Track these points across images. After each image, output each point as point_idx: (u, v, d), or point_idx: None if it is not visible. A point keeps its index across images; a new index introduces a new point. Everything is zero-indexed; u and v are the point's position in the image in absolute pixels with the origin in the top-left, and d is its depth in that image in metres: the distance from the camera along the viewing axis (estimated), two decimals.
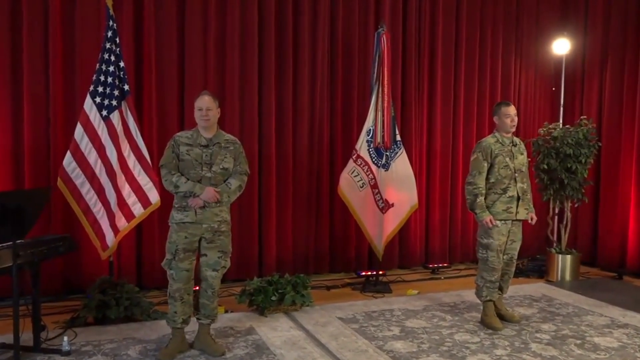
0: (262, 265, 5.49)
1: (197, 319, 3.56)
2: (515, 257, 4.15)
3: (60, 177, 4.14)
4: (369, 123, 5.17)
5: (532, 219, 4.12)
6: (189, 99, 4.90)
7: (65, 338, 3.44)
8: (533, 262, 6.08)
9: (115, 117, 4.25)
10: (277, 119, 5.48)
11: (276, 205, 5.48)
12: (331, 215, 5.76)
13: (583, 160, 5.55)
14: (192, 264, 3.49)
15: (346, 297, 4.94)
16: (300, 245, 5.63)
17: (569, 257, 5.67)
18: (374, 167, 5.18)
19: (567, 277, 5.64)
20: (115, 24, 4.27)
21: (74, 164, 4.17)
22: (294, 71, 5.53)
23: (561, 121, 6.44)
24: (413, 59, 6.03)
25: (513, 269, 4.19)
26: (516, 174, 4.00)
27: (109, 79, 4.23)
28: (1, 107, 4.52)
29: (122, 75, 4.30)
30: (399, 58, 5.92)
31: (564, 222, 5.83)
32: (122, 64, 4.30)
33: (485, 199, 4.01)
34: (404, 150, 5.32)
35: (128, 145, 4.33)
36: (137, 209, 4.36)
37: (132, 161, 4.35)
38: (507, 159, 3.98)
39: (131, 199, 4.34)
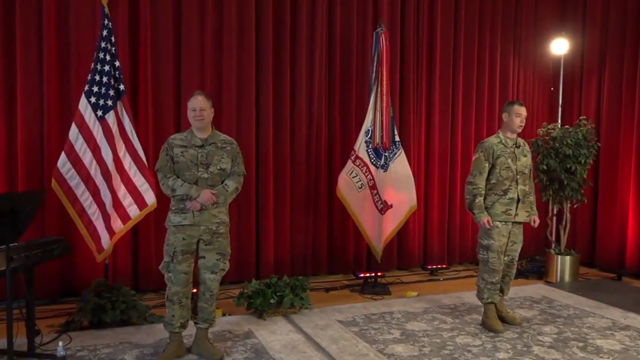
0: (259, 267, 5.43)
1: (195, 323, 3.50)
2: (516, 258, 4.11)
3: (55, 178, 4.07)
4: (367, 123, 5.12)
5: (534, 222, 4.07)
6: (185, 99, 4.76)
7: (60, 343, 3.34)
8: (532, 263, 6.04)
9: (110, 117, 4.18)
10: (275, 119, 5.42)
11: (274, 206, 5.42)
12: (329, 216, 5.71)
13: (582, 161, 5.53)
14: (190, 267, 3.42)
15: (345, 299, 4.89)
16: (298, 246, 5.58)
17: (568, 258, 5.64)
18: (372, 168, 5.12)
19: (567, 278, 5.61)
20: (110, 23, 4.20)
21: (68, 165, 4.10)
22: (291, 71, 5.47)
23: (559, 121, 6.41)
24: (411, 58, 5.99)
25: (514, 271, 4.15)
26: (518, 176, 3.96)
27: (104, 79, 4.16)
28: None
29: (117, 75, 4.23)
30: (397, 58, 5.87)
31: (563, 223, 5.80)
32: (117, 64, 4.23)
33: (485, 199, 3.96)
34: (403, 151, 5.27)
35: (124, 146, 4.26)
36: (133, 211, 4.30)
37: (127, 162, 4.28)
38: (509, 161, 3.94)
39: (127, 201, 4.28)
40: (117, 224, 4.25)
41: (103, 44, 4.17)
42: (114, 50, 4.22)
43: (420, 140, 6.12)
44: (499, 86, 6.51)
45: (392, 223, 5.25)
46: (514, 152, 3.99)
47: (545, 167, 5.55)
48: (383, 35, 5.04)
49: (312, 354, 3.51)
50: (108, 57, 4.18)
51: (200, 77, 5.09)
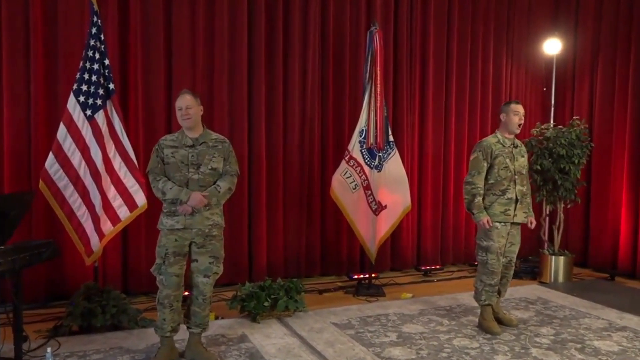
0: (252, 269, 5.35)
1: (188, 327, 3.42)
2: (514, 260, 4.08)
3: (43, 179, 3.95)
4: (361, 123, 5.07)
5: (531, 223, 4.04)
6: (176, 98, 4.72)
7: (49, 349, 3.24)
8: (525, 264, 6.03)
9: (100, 116, 4.08)
10: (267, 119, 5.34)
11: (266, 207, 5.35)
12: (322, 217, 5.64)
13: (576, 161, 5.52)
14: (182, 269, 3.34)
15: (339, 301, 4.82)
16: (291, 248, 5.51)
17: (562, 258, 5.63)
18: (366, 169, 5.07)
19: (561, 278, 5.60)
20: (99, 20, 4.10)
21: (56, 165, 3.99)
22: (284, 70, 5.41)
23: (552, 121, 6.40)
24: (405, 58, 5.94)
25: (512, 272, 4.11)
26: (516, 176, 3.92)
27: (94, 77, 4.06)
28: None
29: (107, 74, 4.13)
30: (391, 57, 5.83)
31: (557, 223, 5.79)
32: (107, 62, 4.14)
33: (483, 199, 3.92)
34: (397, 151, 5.22)
35: (113, 146, 4.17)
36: (123, 212, 4.21)
37: (117, 163, 4.19)
38: (508, 161, 3.90)
39: (117, 202, 4.18)
40: (106, 225, 4.15)
41: (92, 42, 4.07)
42: (104, 48, 4.12)
43: (414, 140, 6.08)
44: (491, 86, 6.49)
45: (386, 224, 5.20)
46: (512, 152, 3.95)
47: (539, 167, 5.53)
48: (377, 34, 4.99)
49: (308, 358, 3.44)
50: (97, 55, 4.08)
51: (191, 76, 5.01)
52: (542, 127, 5.79)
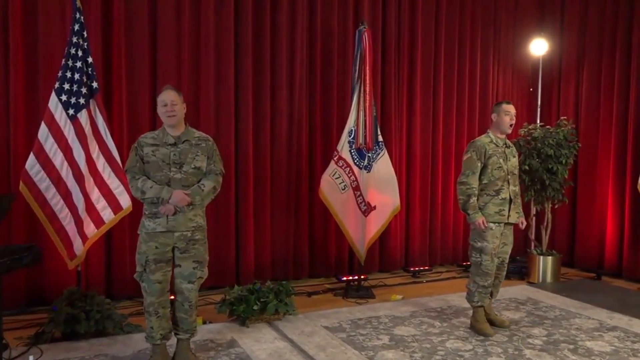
0: (239, 272, 5.25)
1: (175, 334, 3.31)
2: (507, 260, 4.05)
3: (23, 181, 3.81)
4: (350, 123, 5.01)
5: (522, 224, 4.02)
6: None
7: (31, 357, 3.15)
8: (513, 264, 5.99)
9: (83, 116, 3.96)
10: (255, 119, 5.25)
11: (254, 208, 5.26)
12: (310, 218, 5.57)
13: (564, 161, 5.53)
14: (165, 276, 3.20)
15: (329, 303, 4.76)
16: (279, 249, 5.42)
17: (550, 258, 5.64)
18: (355, 169, 5.01)
19: (549, 278, 5.61)
20: (82, 17, 3.98)
21: (37, 166, 3.86)
22: (271, 69, 5.32)
23: (538, 122, 6.41)
24: (392, 58, 5.90)
25: (504, 273, 4.08)
26: (509, 176, 3.90)
27: (76, 76, 3.94)
28: None
29: (90, 72, 4.01)
30: (379, 57, 5.77)
31: (545, 223, 5.79)
32: (90, 60, 4.02)
33: (477, 200, 3.88)
34: (386, 151, 5.17)
35: (97, 147, 4.05)
36: (107, 215, 4.09)
37: (101, 163, 4.07)
38: (501, 160, 3.88)
39: (100, 204, 4.07)
40: (90, 228, 4.03)
41: (75, 39, 3.95)
42: (87, 45, 4.00)
43: (402, 140, 6.04)
44: (479, 86, 6.48)
45: (375, 225, 5.15)
46: (505, 152, 3.93)
47: (527, 168, 5.53)
48: (366, 34, 4.93)
49: None
50: (80, 53, 3.96)
51: (177, 75, 4.90)
52: (530, 127, 5.80)
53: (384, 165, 5.14)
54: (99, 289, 4.33)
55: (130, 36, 4.71)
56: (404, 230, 6.11)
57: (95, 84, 4.02)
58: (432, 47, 6.14)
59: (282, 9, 5.32)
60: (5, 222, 3.86)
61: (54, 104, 3.92)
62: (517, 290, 5.20)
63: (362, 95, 4.95)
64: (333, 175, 4.99)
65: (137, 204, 3.78)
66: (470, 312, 4.23)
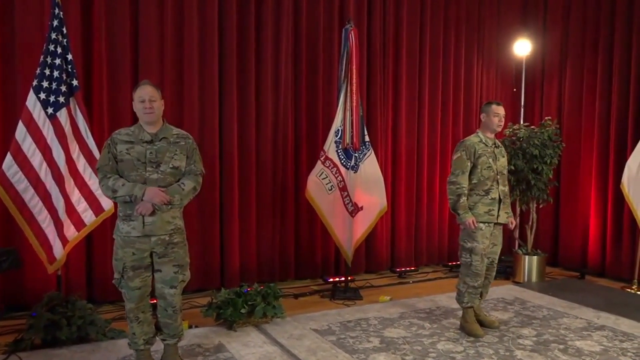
0: (224, 274, 5.15)
1: (162, 340, 3.20)
2: (496, 261, 4.04)
3: (0, 182, 3.67)
4: (337, 123, 4.95)
5: (512, 223, 4.01)
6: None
7: None
8: (499, 264, 5.88)
9: (62, 115, 3.82)
10: (239, 119, 5.15)
11: (239, 208, 5.16)
12: (296, 219, 5.50)
13: (548, 161, 5.55)
14: (145, 281, 3.06)
15: (316, 305, 4.69)
16: (264, 251, 5.33)
17: (535, 258, 5.65)
18: (342, 169, 4.95)
19: (534, 278, 5.62)
20: (61, 12, 3.84)
21: (15, 167, 3.71)
22: (256, 68, 5.23)
23: (521, 122, 6.43)
24: (378, 58, 5.86)
25: (493, 274, 4.07)
26: (498, 176, 3.88)
27: (55, 73, 3.80)
28: None
29: (70, 69, 3.88)
30: (365, 57, 5.72)
31: (530, 223, 5.81)
32: (70, 57, 3.88)
33: (467, 199, 3.85)
34: (373, 151, 5.12)
35: (77, 147, 3.92)
36: (88, 217, 3.97)
37: (81, 164, 3.94)
38: (490, 160, 3.85)
39: (81, 206, 3.94)
40: (70, 231, 3.90)
41: (54, 35, 3.81)
42: (66, 42, 3.86)
43: (387, 140, 6.00)
44: (463, 87, 6.48)
45: (362, 226, 5.09)
46: (494, 152, 3.91)
47: (512, 168, 5.52)
48: (352, 32, 4.88)
49: None
50: (59, 50, 3.82)
51: (159, 74, 4.77)
52: (515, 127, 5.81)
53: (370, 165, 5.08)
54: (80, 294, 4.17)
55: (111, 33, 4.57)
56: (390, 231, 6.08)
57: (75, 82, 3.89)
58: (417, 48, 6.11)
59: (267, 7, 5.23)
60: None
61: (32, 102, 3.78)
62: (504, 290, 5.20)
63: (348, 94, 4.89)
64: (320, 176, 4.93)
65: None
66: (459, 312, 4.22)
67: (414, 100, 6.13)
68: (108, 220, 4.12)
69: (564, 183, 6.37)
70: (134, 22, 4.68)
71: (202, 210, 4.94)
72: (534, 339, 3.82)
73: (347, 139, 4.91)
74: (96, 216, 3.98)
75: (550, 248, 6.42)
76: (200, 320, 4.05)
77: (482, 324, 3.99)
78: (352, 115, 4.89)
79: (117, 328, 3.79)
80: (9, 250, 3.07)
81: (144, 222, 2.95)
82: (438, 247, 6.39)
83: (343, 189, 4.96)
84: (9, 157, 3.71)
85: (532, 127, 5.77)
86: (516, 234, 6.13)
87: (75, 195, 3.91)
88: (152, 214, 2.94)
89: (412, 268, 6.02)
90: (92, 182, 3.93)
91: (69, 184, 3.86)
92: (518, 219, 6.13)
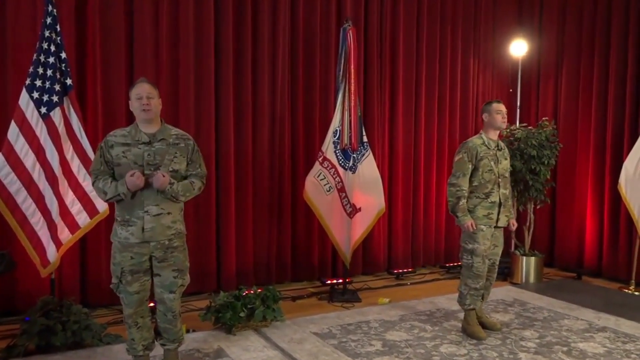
0: (220, 277, 5.07)
1: (162, 345, 3.13)
2: (497, 262, 4.00)
3: None
4: (335, 123, 4.89)
5: (513, 225, 3.98)
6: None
7: None
8: None
9: (56, 114, 3.74)
10: (236, 120, 5.08)
11: (235, 210, 5.08)
12: (293, 220, 5.43)
13: (546, 162, 5.53)
14: (144, 285, 2.97)
15: (315, 308, 4.62)
16: (261, 253, 5.26)
17: (533, 259, 5.63)
18: (341, 170, 4.90)
19: (532, 279, 5.60)
20: (55, 10, 3.75)
21: (7, 168, 3.62)
22: (253, 68, 5.16)
23: (517, 123, 6.42)
24: (375, 58, 5.80)
25: (495, 275, 4.03)
26: (499, 179, 3.84)
27: (49, 72, 3.71)
28: None
29: (64, 68, 3.79)
30: (362, 57, 5.66)
31: (527, 224, 5.79)
32: (63, 55, 3.79)
33: (466, 202, 3.81)
34: (371, 152, 5.07)
35: (71, 147, 3.83)
36: (83, 219, 3.89)
37: (76, 165, 3.86)
38: (492, 163, 3.81)
39: (75, 208, 3.85)
40: (64, 234, 3.81)
41: (47, 33, 3.72)
42: (60, 40, 3.77)
43: (385, 141, 5.95)
44: (460, 87, 6.45)
45: (360, 227, 5.04)
46: (496, 155, 3.87)
47: (510, 169, 5.48)
48: (350, 32, 4.82)
49: None
50: (53, 48, 3.73)
51: (154, 73, 4.68)
52: (512, 127, 5.79)
53: (368, 166, 5.03)
54: (74, 298, 4.08)
55: (105, 30, 4.48)
56: (387, 232, 6.03)
57: (69, 81, 3.81)
58: (413, 48, 6.07)
59: (263, 6, 5.16)
60: None
61: (25, 101, 3.69)
62: (503, 291, 5.17)
63: (347, 94, 4.84)
64: (318, 177, 4.87)
65: (113, 207, 3.57)
66: (460, 314, 4.18)
67: (410, 101, 6.09)
68: (102, 222, 4.04)
69: (560, 183, 6.36)
70: (128, 19, 4.59)
71: (198, 211, 4.86)
72: (537, 341, 3.78)
73: (346, 140, 4.85)
74: (91, 218, 3.90)
75: (546, 248, 6.41)
76: (198, 324, 3.97)
77: (484, 326, 3.95)
78: (350, 115, 4.84)
79: (113, 333, 3.70)
80: (1, 253, 2.96)
81: (143, 228, 2.87)
82: (435, 248, 6.35)
83: (341, 189, 4.90)
84: (1, 158, 3.62)
85: (530, 127, 5.75)
86: (513, 235, 6.11)
87: (70, 197, 3.82)
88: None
89: (409, 269, 5.97)
90: (87, 183, 3.85)
91: (63, 185, 3.78)
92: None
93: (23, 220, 3.67)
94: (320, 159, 4.87)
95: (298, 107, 5.41)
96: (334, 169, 4.87)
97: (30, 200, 3.70)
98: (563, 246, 6.35)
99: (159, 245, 2.91)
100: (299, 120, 5.42)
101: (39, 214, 3.72)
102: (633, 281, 5.35)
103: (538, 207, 5.85)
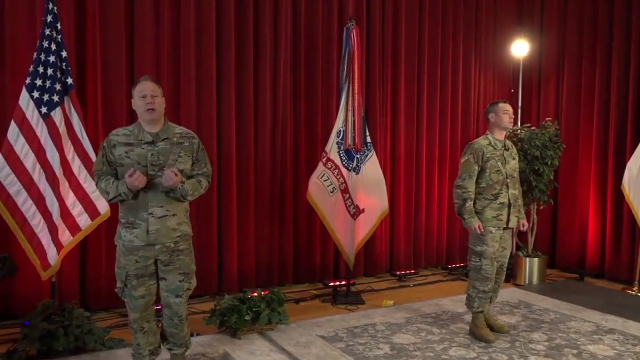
0: (222, 279, 5.00)
1: (169, 349, 3.06)
2: (506, 264, 3.94)
3: None
4: (339, 124, 4.83)
5: (523, 226, 3.93)
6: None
7: None
8: None
9: (57, 114, 3.67)
10: (237, 121, 5.01)
11: (237, 212, 5.01)
12: (295, 222, 5.37)
13: (549, 162, 5.51)
14: (149, 289, 2.90)
15: (318, 310, 4.57)
16: (263, 255, 5.20)
17: (536, 260, 5.60)
18: (344, 171, 4.84)
19: (535, 280, 5.57)
20: (55, 8, 3.68)
21: (7, 169, 3.55)
22: (254, 68, 5.09)
23: (519, 123, 6.39)
24: (376, 58, 5.75)
25: (503, 277, 3.97)
26: (508, 180, 3.79)
27: (49, 71, 3.64)
28: None
29: (64, 67, 3.72)
30: (363, 58, 5.60)
31: (530, 225, 5.76)
32: (64, 54, 3.72)
33: (474, 203, 3.76)
34: (374, 153, 5.02)
35: (72, 147, 3.77)
36: (84, 221, 3.82)
37: (77, 165, 3.79)
38: (499, 164, 3.76)
39: (76, 209, 3.78)
40: (65, 236, 3.74)
41: (47, 31, 3.65)
42: (60, 38, 3.70)
43: (386, 142, 5.90)
44: (461, 88, 6.41)
45: (364, 228, 4.98)
46: (503, 155, 3.82)
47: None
48: (354, 31, 4.77)
49: None
50: (54, 46, 3.66)
51: (155, 72, 4.60)
52: (514, 128, 5.76)
53: (372, 167, 4.98)
54: (75, 301, 4.00)
55: (106, 29, 4.40)
56: (389, 233, 5.98)
57: (70, 80, 3.74)
58: (415, 49, 6.03)
59: (265, 5, 5.10)
60: None
61: (25, 101, 3.61)
62: (507, 293, 5.12)
63: (350, 94, 4.78)
64: (321, 178, 4.81)
65: (115, 208, 3.49)
66: (466, 317, 4.14)
67: (412, 102, 6.04)
68: (102, 224, 3.97)
69: (562, 184, 6.34)
70: (129, 17, 4.52)
71: (199, 213, 4.79)
72: (546, 343, 3.74)
73: (349, 140, 4.79)
74: (92, 220, 3.83)
75: (548, 249, 6.38)
76: (202, 328, 3.90)
77: (491, 328, 3.90)
78: (353, 115, 4.78)
79: (116, 337, 3.62)
80: (3, 257, 2.88)
81: (147, 230, 2.79)
82: (436, 249, 6.31)
83: (344, 191, 4.84)
84: (0, 159, 3.53)
85: (533, 128, 5.72)
86: (515, 236, 6.07)
87: (70, 198, 3.75)
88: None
89: (412, 271, 5.92)
90: (88, 184, 3.78)
91: (64, 186, 3.71)
92: None
93: (23, 222, 3.60)
94: (323, 160, 4.81)
95: (300, 106, 5.35)
96: (337, 170, 4.82)
97: (30, 201, 3.62)
98: (564, 247, 6.32)
99: (164, 248, 2.84)
100: (301, 120, 5.36)
101: (39, 216, 3.64)
102: (636, 282, 5.33)
103: (541, 208, 5.82)
